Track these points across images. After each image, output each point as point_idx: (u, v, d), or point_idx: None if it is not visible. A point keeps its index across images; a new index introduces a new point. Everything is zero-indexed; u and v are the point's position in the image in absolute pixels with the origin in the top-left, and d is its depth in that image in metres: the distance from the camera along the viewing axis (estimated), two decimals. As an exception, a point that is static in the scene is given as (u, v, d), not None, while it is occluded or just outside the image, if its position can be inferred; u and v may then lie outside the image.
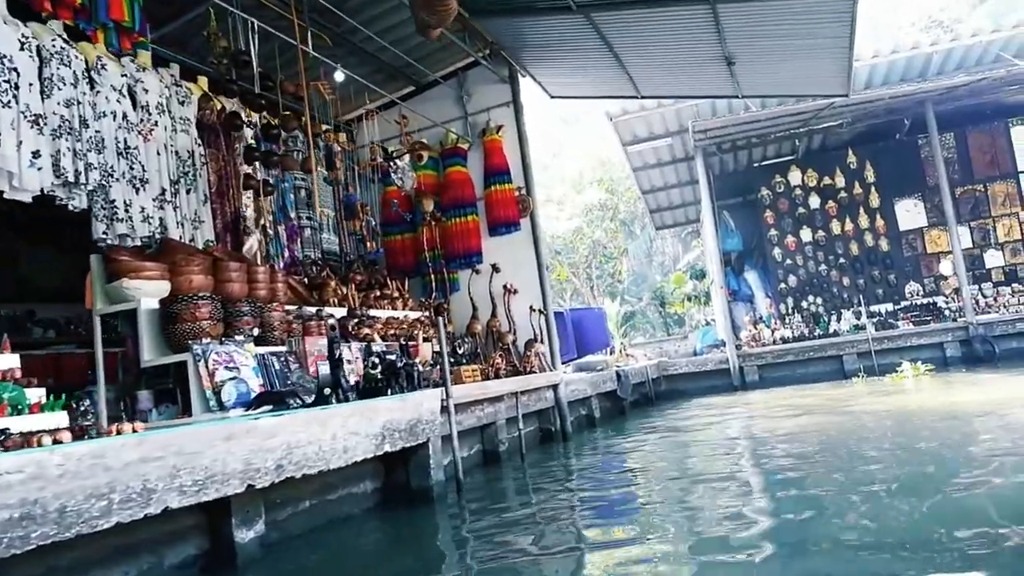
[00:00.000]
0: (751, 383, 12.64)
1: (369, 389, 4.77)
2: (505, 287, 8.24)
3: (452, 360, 7.17)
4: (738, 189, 15.27)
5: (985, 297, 12.44)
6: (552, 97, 9.33)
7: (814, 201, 14.23)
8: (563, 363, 11.15)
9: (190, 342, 4.47)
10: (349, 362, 5.37)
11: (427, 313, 7.80)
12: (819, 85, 7.80)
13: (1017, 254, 13.30)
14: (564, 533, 4.05)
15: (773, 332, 13.15)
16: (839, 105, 10.56)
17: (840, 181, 14.08)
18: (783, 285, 14.35)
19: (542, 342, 8.16)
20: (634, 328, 24.50)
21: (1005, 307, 12.04)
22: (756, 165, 15.09)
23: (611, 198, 16.79)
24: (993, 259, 13.39)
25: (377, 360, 4.62)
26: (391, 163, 7.21)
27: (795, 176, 14.36)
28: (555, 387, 7.98)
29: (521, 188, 8.39)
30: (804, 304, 14.06)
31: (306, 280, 6.56)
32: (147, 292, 4.77)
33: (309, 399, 4.38)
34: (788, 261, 14.35)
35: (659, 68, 8.16)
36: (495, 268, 8.28)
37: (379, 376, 4.86)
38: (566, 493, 5.29)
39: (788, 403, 9.62)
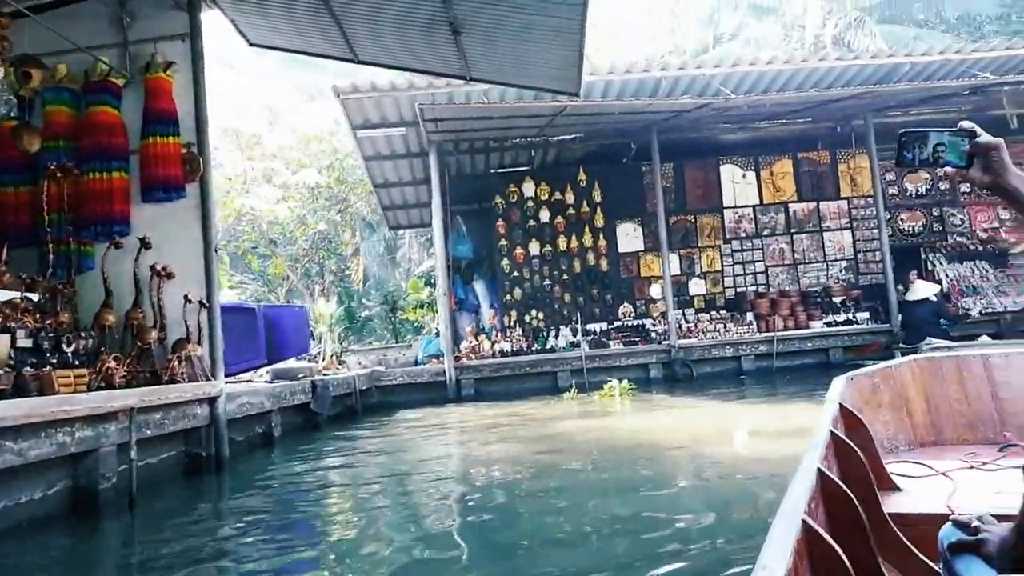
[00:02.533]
0: (467, 396, 11.93)
1: None
2: (156, 269, 6.39)
3: (55, 360, 5.23)
4: (474, 195, 14.66)
5: (688, 322, 13.02)
6: (250, 44, 7.67)
7: (544, 215, 14.04)
8: (252, 369, 9.46)
9: None
10: None
11: (35, 295, 5.71)
12: (551, 79, 7.17)
13: (717, 284, 14.21)
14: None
15: (493, 344, 12.59)
16: (571, 113, 10.21)
17: (570, 198, 14.05)
18: (509, 297, 13.94)
19: (199, 343, 6.44)
20: (371, 333, 23.11)
21: (703, 333, 12.66)
22: (493, 172, 14.60)
23: (341, 188, 15.22)
24: (696, 287, 14.18)
25: None
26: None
27: (529, 188, 14.07)
28: (211, 401, 6.30)
29: (192, 145, 6.62)
30: (527, 318, 13.77)
31: None
32: None
33: None
34: (515, 273, 13.98)
35: (379, 28, 6.93)
36: (144, 243, 6.40)
37: None
38: (182, 548, 3.75)
39: (498, 421, 8.93)
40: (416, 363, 13.79)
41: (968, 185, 14.54)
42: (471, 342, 12.60)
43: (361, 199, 16.04)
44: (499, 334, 12.96)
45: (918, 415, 3.18)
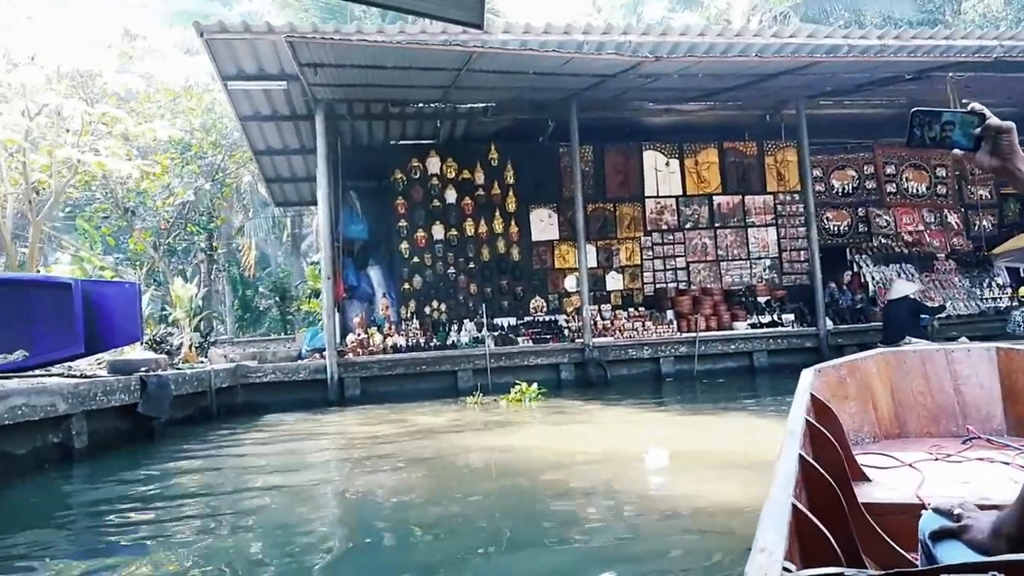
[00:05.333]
0: (351, 398, 10.27)
1: None
2: None
3: None
4: (372, 170, 12.99)
5: (604, 319, 11.79)
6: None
7: (451, 195, 12.53)
8: (64, 360, 7.52)
9: None
10: None
11: None
12: (448, 4, 5.68)
13: (635, 279, 13.07)
14: None
15: (386, 338, 10.97)
16: (480, 69, 8.72)
17: (480, 177, 12.60)
18: (407, 285, 12.35)
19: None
20: (271, 325, 20.94)
21: (620, 331, 11.46)
22: (393, 143, 12.97)
23: (217, 153, 13.06)
24: (614, 281, 13.00)
25: None
26: None
27: (434, 163, 12.52)
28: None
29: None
30: (427, 310, 12.22)
31: None
32: None
33: None
34: (416, 259, 12.40)
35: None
36: None
37: None
38: None
39: (384, 435, 7.40)
40: (299, 357, 12.03)
41: (895, 185, 14.04)
42: (360, 335, 10.94)
43: (241, 167, 13.99)
44: (392, 327, 11.35)
45: (883, 408, 3.19)
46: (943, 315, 11.11)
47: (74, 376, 6.87)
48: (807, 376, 2.87)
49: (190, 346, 10.53)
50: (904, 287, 10.33)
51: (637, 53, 8.89)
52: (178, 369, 9.49)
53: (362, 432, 7.72)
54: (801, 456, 1.79)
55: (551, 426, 7.53)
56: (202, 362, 10.84)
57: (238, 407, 9.93)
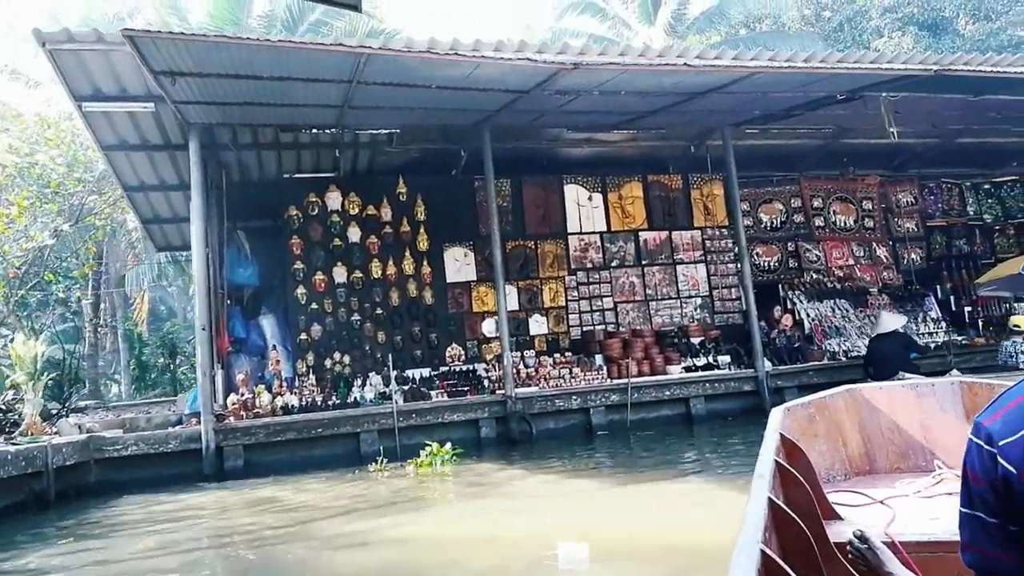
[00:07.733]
0: (232, 471, 8.67)
1: None
2: None
3: None
4: (264, 208, 11.57)
5: (528, 367, 10.61)
6: None
7: (354, 233, 11.21)
8: None
9: None
10: None
11: None
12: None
13: (560, 322, 11.99)
14: None
15: (275, 397, 9.45)
16: (377, 80, 7.55)
17: (387, 213, 11.36)
18: (304, 336, 10.88)
19: None
20: (152, 386, 18.78)
21: (546, 380, 10.31)
22: (287, 177, 11.61)
23: (80, 189, 11.31)
24: (537, 325, 11.89)
25: None
26: None
27: (334, 198, 11.22)
28: None
29: None
30: (327, 363, 10.77)
31: None
32: None
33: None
34: (314, 305, 10.97)
35: None
36: None
37: None
38: None
39: (263, 525, 5.96)
40: (180, 423, 10.33)
41: (823, 219, 13.56)
42: (243, 395, 9.38)
43: (111, 206, 12.28)
44: (283, 384, 9.83)
45: (853, 445, 3.20)
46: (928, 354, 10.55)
47: None
48: (776, 415, 2.86)
49: (34, 415, 8.72)
50: (892, 321, 9.74)
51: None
52: (15, 444, 7.76)
53: (233, 522, 6.24)
54: (770, 499, 1.82)
55: (463, 503, 6.26)
56: (52, 434, 9.05)
57: (90, 488, 8.21)
